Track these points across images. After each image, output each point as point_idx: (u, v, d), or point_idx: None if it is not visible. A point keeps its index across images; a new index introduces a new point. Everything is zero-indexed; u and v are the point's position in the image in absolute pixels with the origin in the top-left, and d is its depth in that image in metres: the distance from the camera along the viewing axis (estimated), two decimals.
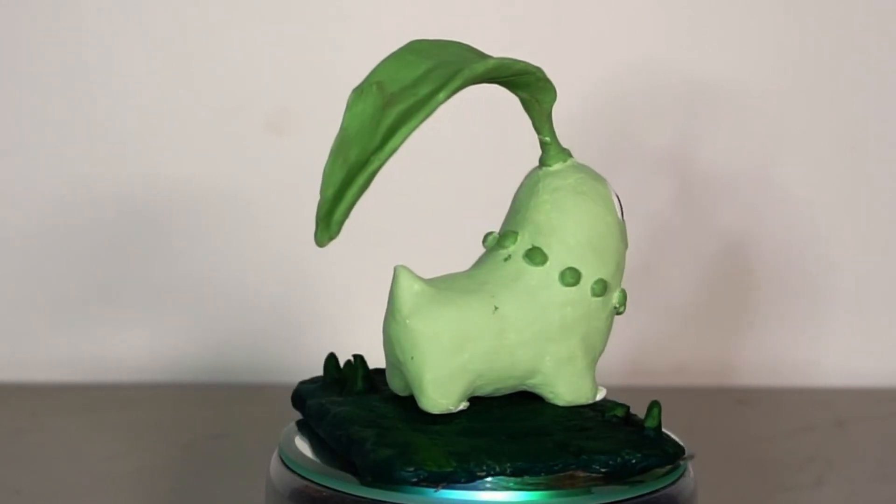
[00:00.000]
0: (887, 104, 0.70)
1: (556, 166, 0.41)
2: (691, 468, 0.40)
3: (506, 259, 0.40)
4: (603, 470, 0.38)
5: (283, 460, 0.39)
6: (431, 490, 0.36)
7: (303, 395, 0.42)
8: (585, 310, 0.40)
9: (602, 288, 0.40)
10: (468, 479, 0.36)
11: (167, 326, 0.70)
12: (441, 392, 0.38)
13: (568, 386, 0.41)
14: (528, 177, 0.41)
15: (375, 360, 0.43)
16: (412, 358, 0.38)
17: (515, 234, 0.40)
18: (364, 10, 0.69)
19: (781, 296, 0.70)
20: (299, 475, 0.38)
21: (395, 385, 0.40)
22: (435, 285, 0.39)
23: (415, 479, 0.36)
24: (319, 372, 0.44)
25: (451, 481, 0.36)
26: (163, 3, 0.68)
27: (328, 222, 0.37)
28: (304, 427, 0.41)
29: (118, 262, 0.69)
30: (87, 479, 0.55)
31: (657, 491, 0.38)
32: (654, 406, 0.40)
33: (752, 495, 0.54)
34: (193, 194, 0.69)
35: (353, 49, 0.69)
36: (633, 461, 0.38)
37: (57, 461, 0.57)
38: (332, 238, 0.37)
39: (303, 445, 0.40)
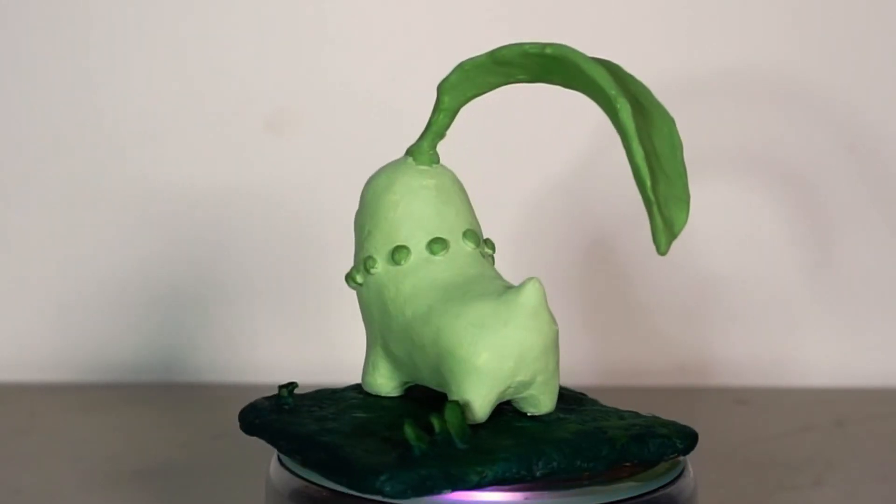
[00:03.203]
0: None
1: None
2: (691, 468, 0.40)
3: (486, 256, 0.41)
4: None
5: (282, 461, 0.39)
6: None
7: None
8: None
9: None
10: None
11: (167, 326, 0.69)
12: None
13: None
14: (437, 175, 0.41)
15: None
16: (556, 363, 0.38)
17: (475, 232, 0.41)
18: (364, 11, 0.69)
19: (782, 295, 0.70)
20: (299, 476, 0.38)
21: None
22: None
23: None
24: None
25: None
26: (163, 5, 0.68)
27: (673, 231, 0.38)
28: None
29: (118, 263, 0.69)
30: (87, 479, 0.55)
31: (657, 491, 0.38)
32: None
33: (752, 495, 0.54)
34: (193, 195, 0.69)
35: (353, 50, 0.69)
36: None
37: (57, 461, 0.57)
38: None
39: None
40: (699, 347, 0.70)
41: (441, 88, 0.40)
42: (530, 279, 0.37)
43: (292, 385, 0.41)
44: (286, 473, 0.39)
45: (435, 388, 0.39)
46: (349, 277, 0.41)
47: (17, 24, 0.68)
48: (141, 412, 0.64)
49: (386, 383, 0.41)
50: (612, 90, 0.37)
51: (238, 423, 0.41)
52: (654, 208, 0.37)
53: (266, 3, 0.68)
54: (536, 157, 0.69)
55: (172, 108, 0.69)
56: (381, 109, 0.68)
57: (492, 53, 0.39)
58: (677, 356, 0.70)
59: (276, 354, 0.69)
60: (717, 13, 0.69)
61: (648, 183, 0.37)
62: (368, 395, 0.41)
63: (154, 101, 0.69)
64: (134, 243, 0.69)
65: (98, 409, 0.65)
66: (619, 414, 0.40)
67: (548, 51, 0.38)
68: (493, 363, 0.37)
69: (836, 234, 0.70)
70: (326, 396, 0.42)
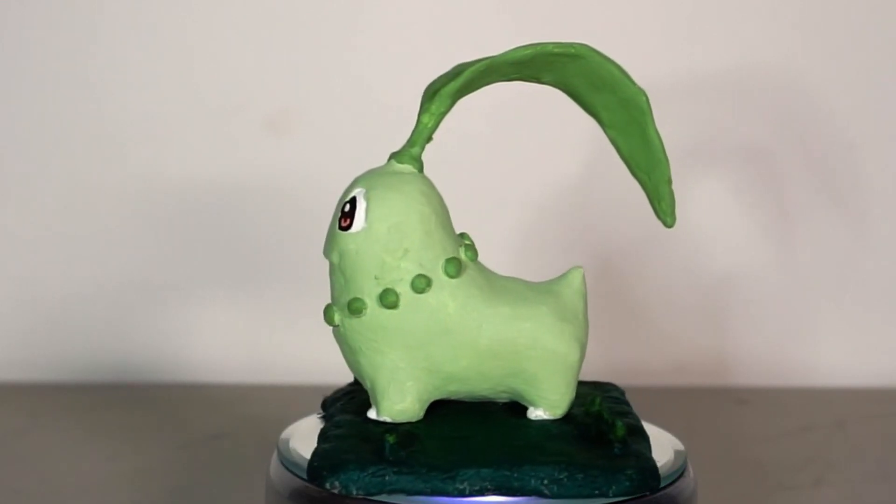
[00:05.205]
0: None
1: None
2: (691, 468, 0.40)
3: None
4: None
5: (282, 461, 0.39)
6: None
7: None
8: None
9: None
10: None
11: (167, 326, 0.69)
12: None
13: None
14: (428, 183, 0.40)
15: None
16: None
17: (465, 233, 0.41)
18: (364, 10, 0.69)
19: (781, 295, 0.70)
20: (299, 476, 0.38)
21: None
22: None
23: None
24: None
25: None
26: (164, 4, 0.68)
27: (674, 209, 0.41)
28: None
29: (118, 262, 0.69)
30: (87, 479, 0.55)
31: (657, 491, 0.38)
32: None
33: (752, 495, 0.54)
34: (193, 194, 0.69)
35: (353, 49, 0.69)
36: None
37: (57, 461, 0.57)
38: None
39: (301, 446, 0.40)
40: (700, 347, 0.70)
41: (444, 92, 0.39)
42: (576, 268, 0.40)
43: (402, 434, 0.37)
44: (286, 474, 0.39)
45: (489, 394, 0.39)
46: (384, 303, 0.38)
47: (18, 23, 0.68)
48: (140, 412, 0.64)
49: (420, 408, 0.39)
50: (634, 84, 0.40)
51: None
52: (671, 186, 0.41)
53: (266, 4, 0.68)
54: (541, 159, 0.69)
55: (173, 107, 0.69)
56: (381, 109, 0.68)
57: (512, 54, 0.39)
58: (677, 356, 0.70)
59: (276, 354, 0.69)
60: (717, 13, 0.69)
61: (668, 161, 0.40)
62: (396, 424, 0.39)
63: (155, 100, 0.69)
64: (134, 243, 0.69)
65: (98, 409, 0.65)
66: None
67: (572, 50, 0.39)
68: (582, 355, 0.40)
69: (837, 234, 0.70)
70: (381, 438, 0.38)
